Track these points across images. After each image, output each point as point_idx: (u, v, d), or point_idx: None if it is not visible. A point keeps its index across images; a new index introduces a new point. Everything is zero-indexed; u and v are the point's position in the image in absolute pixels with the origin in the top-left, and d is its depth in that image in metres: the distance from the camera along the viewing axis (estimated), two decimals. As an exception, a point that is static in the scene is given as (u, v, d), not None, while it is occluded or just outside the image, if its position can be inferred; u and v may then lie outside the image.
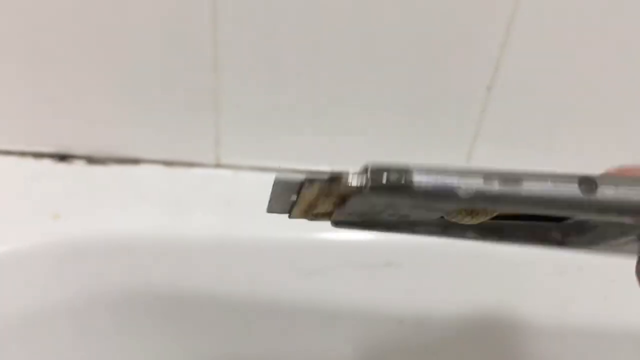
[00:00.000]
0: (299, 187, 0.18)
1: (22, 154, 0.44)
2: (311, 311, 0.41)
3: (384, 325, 0.42)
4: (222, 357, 0.43)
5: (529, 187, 0.17)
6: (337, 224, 0.21)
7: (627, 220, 0.18)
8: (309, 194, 0.19)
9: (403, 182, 0.17)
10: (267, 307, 0.41)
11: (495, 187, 0.17)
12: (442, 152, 0.45)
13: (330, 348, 0.43)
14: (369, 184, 0.17)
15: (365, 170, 0.17)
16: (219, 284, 0.41)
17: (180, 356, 0.43)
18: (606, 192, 0.17)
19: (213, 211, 0.42)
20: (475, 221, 0.19)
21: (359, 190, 0.17)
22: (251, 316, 0.41)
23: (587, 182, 0.17)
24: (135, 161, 0.45)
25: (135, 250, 0.40)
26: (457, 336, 0.42)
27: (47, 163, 0.44)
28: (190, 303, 0.41)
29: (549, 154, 0.44)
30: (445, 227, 0.21)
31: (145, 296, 0.41)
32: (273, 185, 0.19)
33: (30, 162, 0.44)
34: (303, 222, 0.41)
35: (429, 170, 0.17)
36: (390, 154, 0.44)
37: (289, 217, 0.21)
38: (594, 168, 0.43)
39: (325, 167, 0.44)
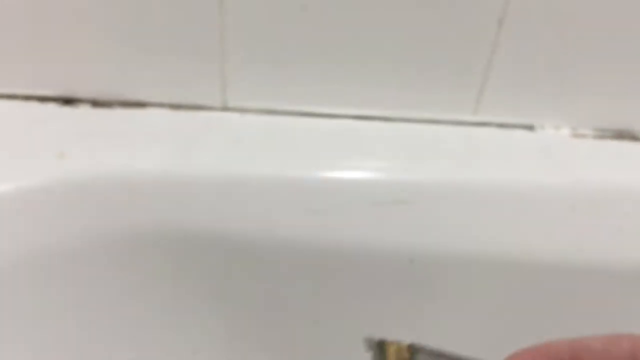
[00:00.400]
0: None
1: (27, 97, 0.44)
2: (320, 249, 0.41)
3: (394, 264, 0.41)
4: (230, 297, 0.43)
5: None
6: None
7: None
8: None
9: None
10: (275, 247, 0.41)
11: None
12: (450, 95, 0.44)
13: (340, 286, 0.42)
14: None
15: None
16: (227, 224, 0.40)
17: (188, 297, 0.43)
18: None
19: (220, 153, 0.42)
20: None
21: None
22: (259, 256, 0.41)
23: None
24: (141, 104, 0.44)
25: (141, 189, 0.40)
26: (469, 275, 0.42)
27: (51, 107, 0.44)
28: (198, 244, 0.41)
29: (563, 95, 0.44)
30: None
31: (152, 236, 0.40)
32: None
33: (34, 105, 0.44)
34: (311, 160, 0.41)
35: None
36: (397, 95, 0.44)
37: None
38: (608, 113, 0.42)
39: (332, 109, 0.44)
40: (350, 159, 0.42)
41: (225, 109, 0.45)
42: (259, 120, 0.44)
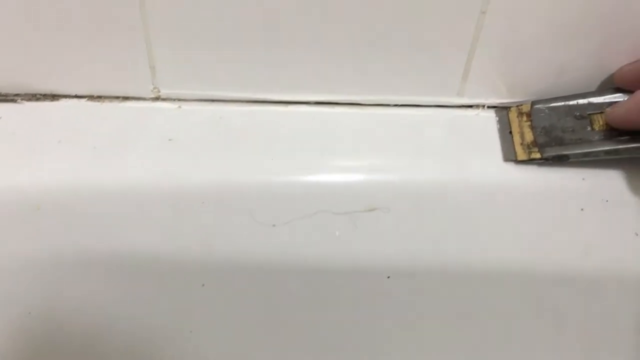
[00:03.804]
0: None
1: None
2: (279, 269, 0.35)
3: (369, 282, 0.36)
4: (171, 326, 0.37)
5: None
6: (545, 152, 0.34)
7: None
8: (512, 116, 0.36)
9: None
10: (225, 267, 0.35)
11: None
12: (431, 74, 0.37)
13: (304, 311, 0.37)
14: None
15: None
16: (165, 242, 0.35)
17: (118, 328, 0.37)
18: None
19: (153, 153, 0.36)
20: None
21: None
22: (206, 278, 0.36)
23: None
24: (52, 97, 0.39)
25: (54, 207, 0.34)
26: (456, 292, 0.36)
27: (-63, 102, 0.38)
28: (130, 267, 0.35)
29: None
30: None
31: (73, 264, 0.35)
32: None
33: None
34: (264, 160, 0.35)
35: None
36: (366, 77, 0.37)
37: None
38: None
39: (286, 95, 0.39)
40: (311, 158, 0.36)
41: (157, 98, 0.39)
42: (199, 111, 0.38)
